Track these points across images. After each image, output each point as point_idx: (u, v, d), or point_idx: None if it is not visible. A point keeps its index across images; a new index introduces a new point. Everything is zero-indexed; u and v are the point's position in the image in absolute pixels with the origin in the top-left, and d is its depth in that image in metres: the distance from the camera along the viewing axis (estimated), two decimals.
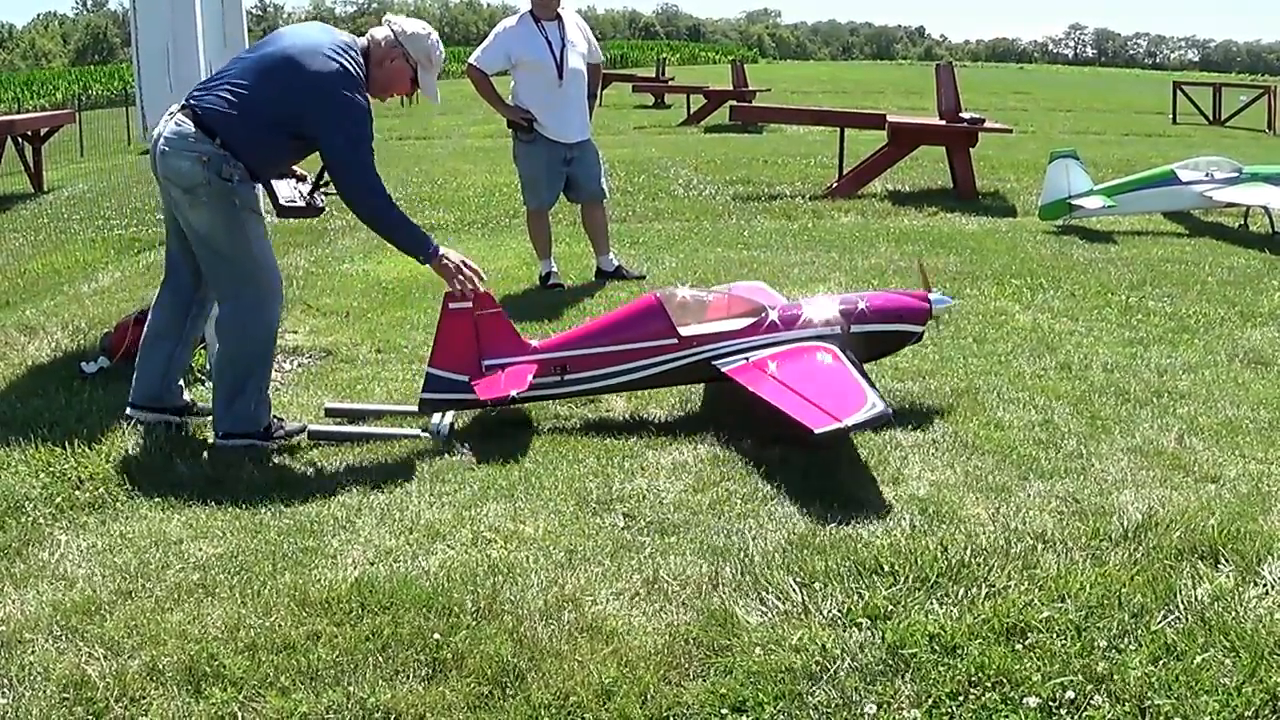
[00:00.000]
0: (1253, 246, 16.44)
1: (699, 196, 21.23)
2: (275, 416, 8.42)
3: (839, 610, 5.74)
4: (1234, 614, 5.77)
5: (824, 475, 7.44)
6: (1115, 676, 5.21)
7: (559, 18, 13.31)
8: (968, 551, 6.31)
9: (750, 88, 43.94)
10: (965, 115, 21.15)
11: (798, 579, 6.03)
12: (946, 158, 21.39)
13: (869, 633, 5.54)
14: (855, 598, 5.84)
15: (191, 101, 7.92)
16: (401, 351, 10.61)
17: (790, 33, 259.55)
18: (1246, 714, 5.01)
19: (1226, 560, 6.32)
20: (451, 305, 8.37)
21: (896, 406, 8.36)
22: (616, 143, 31.79)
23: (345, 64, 7.86)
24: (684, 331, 8.63)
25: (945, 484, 7.38)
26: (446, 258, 8.17)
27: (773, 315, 8.75)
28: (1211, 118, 48.55)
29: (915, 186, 22.00)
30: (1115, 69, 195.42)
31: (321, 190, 8.41)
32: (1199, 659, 5.36)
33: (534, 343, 8.80)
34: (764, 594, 5.92)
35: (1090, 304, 12.39)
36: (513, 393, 8.23)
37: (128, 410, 8.47)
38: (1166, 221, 18.45)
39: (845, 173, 21.53)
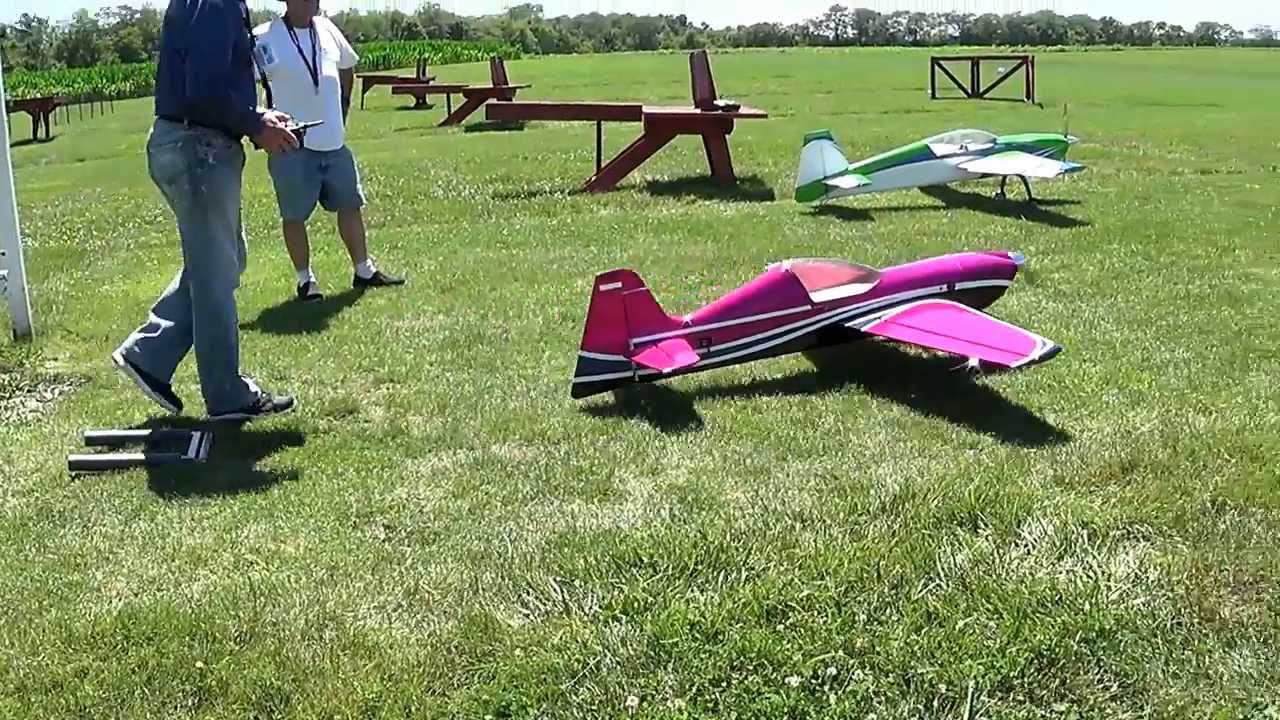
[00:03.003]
0: (1010, 214, 16.85)
1: (458, 197, 21.07)
2: (264, 392, 9.15)
3: (600, 606, 5.77)
4: (995, 577, 5.95)
5: (584, 472, 7.48)
6: (877, 648, 5.30)
7: (312, 25, 13.18)
8: (727, 536, 6.40)
9: (510, 84, 43.89)
10: (720, 102, 21.31)
11: (558, 578, 6.05)
12: (704, 145, 21.51)
13: (630, 626, 5.57)
14: (615, 592, 5.87)
15: (158, 107, 8.70)
16: None
17: (552, 27, 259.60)
18: (1012, 674, 5.12)
19: (985, 524, 6.51)
20: (602, 287, 8.85)
21: (655, 397, 8.71)
22: (377, 146, 31.57)
23: None
24: (816, 298, 9.52)
25: (705, 470, 7.47)
26: (270, 122, 8.72)
27: (885, 279, 9.91)
28: (970, 90, 49.57)
29: (674, 175, 22.08)
30: (876, 48, 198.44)
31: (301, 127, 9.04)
32: (961, 624, 5.49)
33: (686, 318, 9.41)
34: (524, 596, 5.93)
35: None
36: (681, 361, 8.83)
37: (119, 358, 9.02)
38: (924, 195, 18.80)
39: (604, 166, 21.53)
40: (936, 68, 51.56)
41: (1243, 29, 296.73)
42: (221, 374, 8.89)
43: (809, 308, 9.50)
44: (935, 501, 6.75)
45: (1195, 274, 12.89)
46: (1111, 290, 12.25)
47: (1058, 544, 6.29)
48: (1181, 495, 6.92)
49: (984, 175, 18.74)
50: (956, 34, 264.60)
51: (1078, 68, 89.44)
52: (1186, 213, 17.57)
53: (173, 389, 9.20)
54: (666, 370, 8.86)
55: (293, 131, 8.85)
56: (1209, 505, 6.80)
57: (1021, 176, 18.26)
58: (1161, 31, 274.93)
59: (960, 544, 6.27)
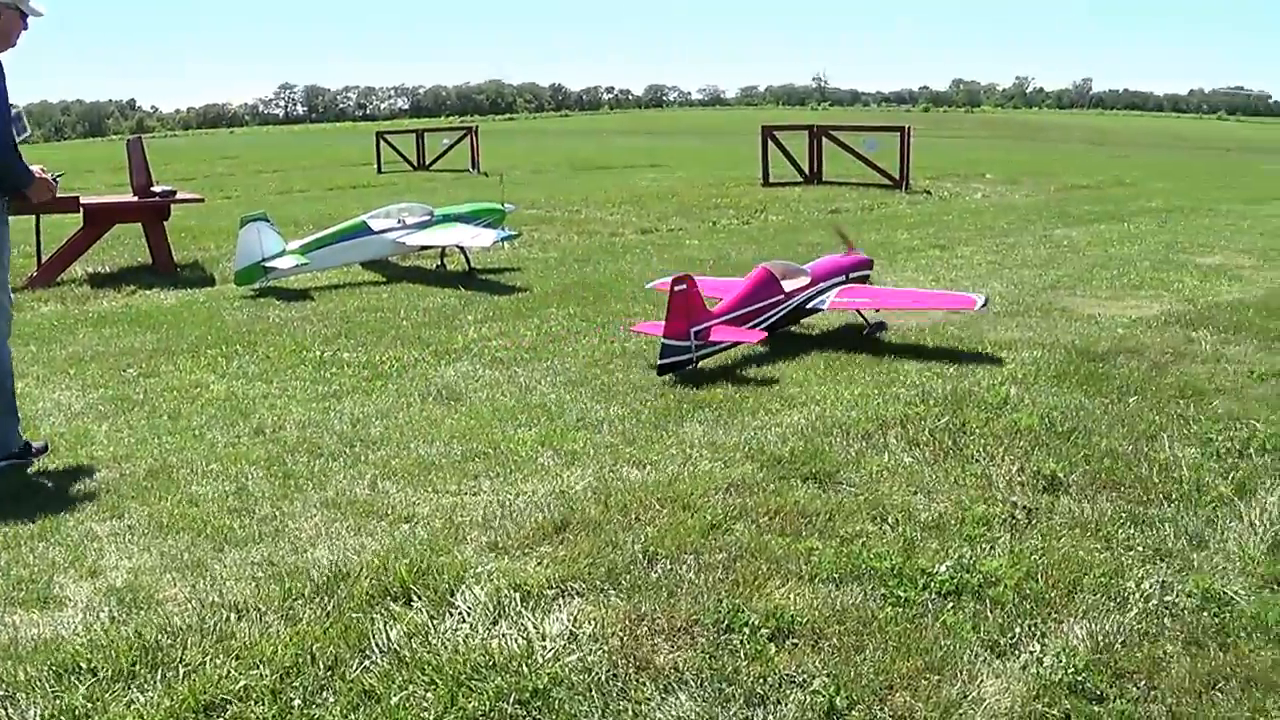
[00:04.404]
0: (449, 285, 17.07)
1: None
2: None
3: (41, 717, 5.56)
4: (430, 648, 6.02)
5: (24, 582, 7.15)
6: None
7: None
8: (164, 634, 6.26)
9: None
10: (157, 189, 20.92)
11: None
12: (144, 234, 21.05)
13: None
14: (56, 702, 5.67)
15: None
16: None
17: None
18: None
19: (419, 596, 6.56)
20: (676, 287, 11.64)
21: (82, 494, 8.57)
22: None
23: None
24: (786, 288, 13.19)
25: (143, 569, 7.26)
26: (37, 173, 9.37)
27: (814, 273, 13.73)
28: (416, 163, 50.00)
29: (116, 266, 21.35)
30: (327, 124, 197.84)
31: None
32: (397, 699, 5.54)
33: (714, 308, 12.38)
34: None
35: (285, 364, 12.51)
36: (757, 337, 12.45)
37: None
38: (365, 272, 18.86)
39: (44, 261, 20.80)
40: (382, 142, 51.93)
41: (691, 89, 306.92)
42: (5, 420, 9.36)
43: (783, 296, 13.11)
44: (369, 580, 6.76)
45: (632, 331, 13.29)
46: (549, 353, 12.66)
47: (491, 609, 6.41)
48: (613, 549, 7.15)
49: (423, 248, 18.97)
50: (407, 106, 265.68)
51: (525, 135, 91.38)
52: (625, 272, 18.22)
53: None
54: (755, 340, 12.39)
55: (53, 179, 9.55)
56: (640, 556, 7.05)
57: (460, 247, 18.55)
58: (610, 96, 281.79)
59: (394, 619, 6.31)
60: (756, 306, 12.72)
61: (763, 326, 12.71)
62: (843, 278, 13.97)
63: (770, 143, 38.11)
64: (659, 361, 11.56)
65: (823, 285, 13.64)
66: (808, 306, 13.47)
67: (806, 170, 37.66)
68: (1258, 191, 36.70)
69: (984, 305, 13.14)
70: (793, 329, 13.64)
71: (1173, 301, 15.73)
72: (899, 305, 14.35)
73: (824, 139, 38.03)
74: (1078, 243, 22.45)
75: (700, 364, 11.84)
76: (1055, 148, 75.36)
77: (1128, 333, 13.42)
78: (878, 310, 14.01)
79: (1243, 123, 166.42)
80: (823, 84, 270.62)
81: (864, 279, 14.47)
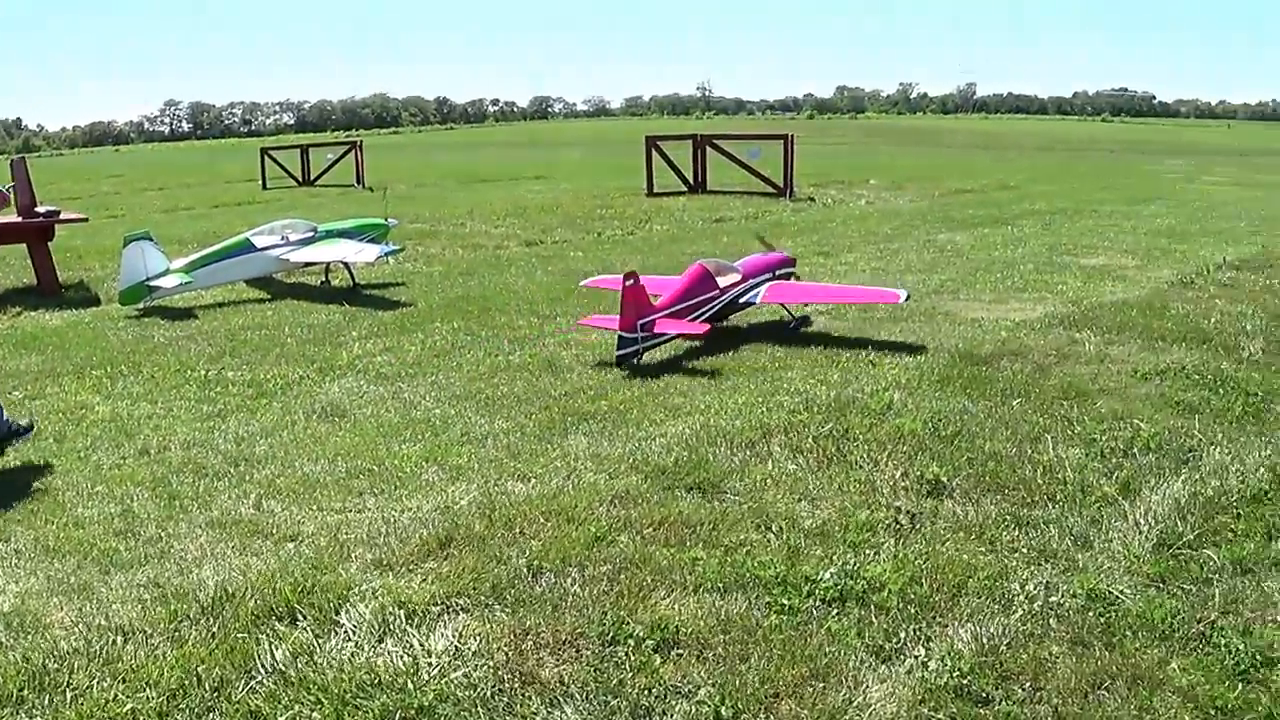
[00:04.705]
0: (334, 301, 16.99)
1: None
2: None
3: None
4: (316, 667, 6.01)
5: None
6: None
7: None
8: (50, 659, 6.21)
9: None
10: (40, 209, 20.65)
11: None
12: (29, 254, 20.77)
13: None
14: None
15: None
16: None
17: None
18: None
19: (304, 615, 6.55)
20: (627, 283, 12.55)
21: None
22: None
23: None
24: (721, 284, 14.11)
25: (30, 593, 7.19)
26: None
27: (744, 270, 14.65)
28: (301, 179, 49.62)
29: (0, 288, 21.20)
30: (213, 140, 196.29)
31: None
32: (283, 718, 5.53)
33: (656, 303, 13.13)
34: None
35: (169, 384, 12.37)
36: (702, 329, 13.14)
37: None
38: (251, 289, 18.66)
39: None
40: (266, 158, 51.48)
41: (576, 101, 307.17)
42: None
43: (719, 291, 14.03)
44: (254, 599, 6.73)
45: (517, 345, 13.37)
46: (433, 368, 12.61)
47: (377, 627, 6.40)
48: (498, 564, 7.16)
49: (307, 265, 18.86)
50: (292, 122, 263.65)
51: (411, 149, 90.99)
52: (510, 285, 18.24)
53: None
54: (703, 333, 13.08)
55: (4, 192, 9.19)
56: (525, 570, 7.07)
57: (344, 263, 18.47)
58: (496, 108, 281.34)
59: (280, 639, 6.29)
60: (694, 301, 13.62)
61: (708, 318, 13.69)
62: (770, 274, 14.95)
63: (655, 153, 38.19)
64: (617, 353, 12.60)
65: (753, 281, 14.62)
66: (741, 301, 14.41)
67: (691, 180, 37.82)
68: (1140, 191, 37.22)
69: (906, 299, 14.34)
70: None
71: (1056, 303, 15.93)
72: (827, 300, 15.72)
73: (708, 148, 38.19)
74: (961, 247, 22.69)
75: (644, 355, 12.74)
76: (940, 153, 75.97)
77: (1011, 335, 13.56)
78: (805, 305, 15.28)
79: (1127, 124, 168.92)
80: (707, 93, 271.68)
81: (789, 275, 15.43)
